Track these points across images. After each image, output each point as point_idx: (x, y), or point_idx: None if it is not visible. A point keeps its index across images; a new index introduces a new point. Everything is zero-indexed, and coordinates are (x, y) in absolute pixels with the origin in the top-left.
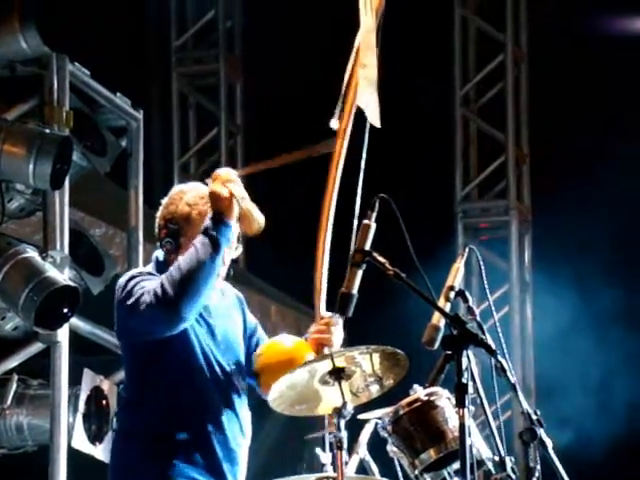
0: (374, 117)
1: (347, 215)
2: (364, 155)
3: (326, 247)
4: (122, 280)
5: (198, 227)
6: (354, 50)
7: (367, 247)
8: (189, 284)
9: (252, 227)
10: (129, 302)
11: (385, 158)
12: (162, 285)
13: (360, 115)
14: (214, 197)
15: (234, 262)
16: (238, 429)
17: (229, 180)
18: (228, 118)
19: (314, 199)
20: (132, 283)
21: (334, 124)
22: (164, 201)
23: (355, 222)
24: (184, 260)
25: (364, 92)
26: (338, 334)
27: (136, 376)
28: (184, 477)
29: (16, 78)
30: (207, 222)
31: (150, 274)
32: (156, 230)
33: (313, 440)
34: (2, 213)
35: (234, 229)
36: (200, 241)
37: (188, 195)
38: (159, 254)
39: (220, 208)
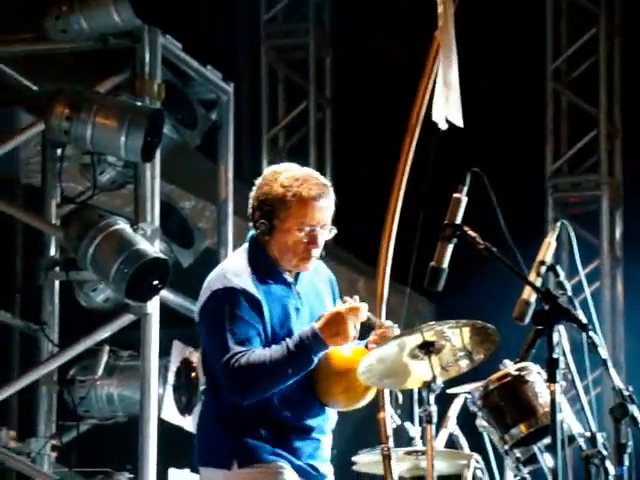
0: (457, 117)
1: (438, 201)
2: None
3: (389, 254)
4: (213, 291)
5: (292, 209)
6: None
7: (458, 221)
8: (265, 384)
9: None
10: (211, 334)
11: (476, 132)
12: (242, 370)
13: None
14: (340, 327)
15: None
16: (321, 413)
17: (358, 321)
18: (317, 91)
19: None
20: (221, 314)
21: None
22: (257, 182)
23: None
24: (274, 361)
25: (443, 94)
26: None
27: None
28: (264, 458)
29: (108, 51)
30: (312, 336)
31: (244, 294)
32: (249, 211)
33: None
34: (94, 185)
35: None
36: (294, 348)
37: (282, 176)
38: (254, 234)
39: (335, 339)
